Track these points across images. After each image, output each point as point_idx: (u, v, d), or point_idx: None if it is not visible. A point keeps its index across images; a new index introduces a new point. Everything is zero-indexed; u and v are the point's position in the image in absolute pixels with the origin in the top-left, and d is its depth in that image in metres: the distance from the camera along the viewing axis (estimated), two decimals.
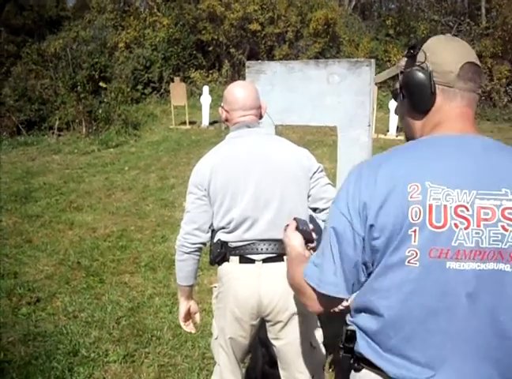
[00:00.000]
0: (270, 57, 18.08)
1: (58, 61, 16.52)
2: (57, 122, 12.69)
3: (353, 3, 23.51)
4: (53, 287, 4.66)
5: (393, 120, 11.60)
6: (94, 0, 20.91)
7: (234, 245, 2.26)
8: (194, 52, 18.37)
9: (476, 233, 1.23)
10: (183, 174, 8.69)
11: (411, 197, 1.26)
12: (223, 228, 2.27)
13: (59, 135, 12.68)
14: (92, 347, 3.62)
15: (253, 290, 2.23)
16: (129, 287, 4.63)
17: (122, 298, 4.40)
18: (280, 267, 2.14)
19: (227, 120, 2.35)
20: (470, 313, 1.25)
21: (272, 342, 2.35)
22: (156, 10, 18.80)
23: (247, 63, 2.70)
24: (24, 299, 4.42)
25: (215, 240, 2.31)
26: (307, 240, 1.65)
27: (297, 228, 1.65)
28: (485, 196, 1.24)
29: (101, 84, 14.43)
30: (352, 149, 2.59)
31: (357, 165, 1.39)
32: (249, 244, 2.23)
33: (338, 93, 2.55)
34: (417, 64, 1.37)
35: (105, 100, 13.55)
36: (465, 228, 1.23)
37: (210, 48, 18.63)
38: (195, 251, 2.38)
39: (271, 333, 2.33)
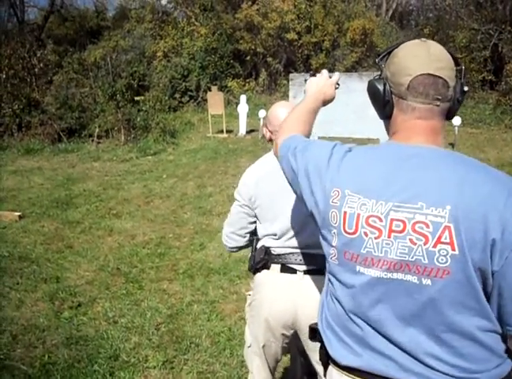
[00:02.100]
0: (307, 66, 18.10)
1: (97, 70, 16.91)
2: (96, 130, 12.94)
3: (390, 12, 23.39)
4: (93, 292, 4.76)
5: None
6: (133, 10, 21.35)
7: (277, 252, 2.28)
8: (231, 61, 18.51)
9: (386, 243, 1.27)
10: (221, 183, 8.76)
11: (332, 202, 1.35)
12: (268, 235, 2.31)
13: (99, 142, 12.93)
14: (132, 353, 3.68)
15: (290, 302, 2.24)
16: (168, 294, 4.69)
17: (161, 304, 4.47)
18: (321, 280, 2.14)
19: (270, 140, 2.37)
20: (378, 317, 1.32)
21: (308, 353, 2.35)
22: (193, 20, 19.04)
23: (291, 76, 2.74)
24: (66, 303, 4.52)
25: (259, 246, 2.35)
26: None
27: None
28: (400, 208, 1.25)
29: (137, 98, 14.66)
30: None
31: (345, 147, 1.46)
32: (292, 253, 2.26)
33: None
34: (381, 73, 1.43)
35: (143, 108, 13.77)
36: (376, 238, 1.28)
37: (247, 57, 18.74)
38: (235, 251, 2.59)
39: (307, 347, 2.33)
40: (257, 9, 18.04)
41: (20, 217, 7.09)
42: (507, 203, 1.18)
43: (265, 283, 2.33)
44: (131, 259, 5.55)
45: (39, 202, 7.88)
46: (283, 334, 2.32)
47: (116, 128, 13.07)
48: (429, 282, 1.23)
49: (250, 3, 18.33)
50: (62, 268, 5.35)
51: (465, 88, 1.38)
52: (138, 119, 13.22)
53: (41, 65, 13.66)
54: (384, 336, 1.32)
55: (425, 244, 1.22)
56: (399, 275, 1.26)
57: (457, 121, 11.23)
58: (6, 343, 3.88)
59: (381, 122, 2.59)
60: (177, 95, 17.43)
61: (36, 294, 4.71)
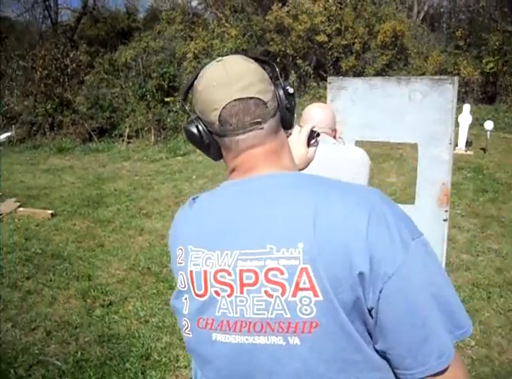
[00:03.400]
0: (337, 68, 18.03)
1: (128, 70, 17.07)
2: (127, 130, 13.10)
3: (422, 15, 23.14)
4: (124, 291, 4.82)
5: (463, 134, 11.31)
6: (164, 12, 21.52)
7: None
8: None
9: (241, 301, 1.03)
10: None
11: (178, 263, 1.13)
12: None
13: (129, 142, 13.08)
14: (163, 352, 3.72)
15: None
16: None
17: None
18: None
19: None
20: None
21: None
22: (224, 21, 19.10)
23: (329, 79, 2.74)
24: (97, 301, 4.59)
25: None
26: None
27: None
28: (248, 256, 1.02)
29: (167, 99, 14.78)
30: (433, 167, 2.57)
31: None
32: None
33: (419, 110, 2.55)
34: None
35: (173, 109, 13.88)
36: (228, 296, 1.04)
37: (277, 59, 18.73)
38: None
39: None
40: (288, 11, 18.01)
41: (52, 215, 7.22)
42: (370, 226, 0.97)
43: None
44: (161, 259, 5.60)
45: (71, 201, 8.01)
46: None
47: (146, 128, 13.21)
48: (297, 341, 1.00)
49: (280, 5, 18.32)
50: (94, 266, 5.43)
51: (290, 90, 1.17)
52: (168, 120, 13.33)
53: (73, 65, 13.89)
54: None
55: (283, 294, 0.99)
56: (261, 339, 1.02)
57: (489, 125, 11.06)
58: (41, 339, 3.96)
59: (419, 127, 2.59)
60: None
61: (69, 292, 4.79)
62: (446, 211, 2.60)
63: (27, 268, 5.37)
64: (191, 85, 1.18)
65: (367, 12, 18.22)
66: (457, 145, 11.56)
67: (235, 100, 1.09)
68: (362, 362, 1.01)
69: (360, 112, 2.68)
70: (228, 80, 1.09)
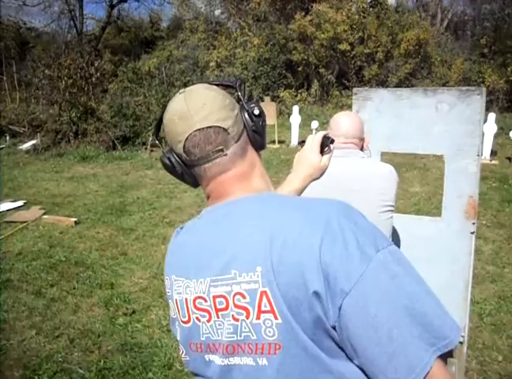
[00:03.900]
0: (359, 77, 18.00)
1: (151, 79, 17.24)
2: (150, 138, 13.18)
3: (445, 22, 23.01)
4: (147, 299, 4.83)
5: (488, 144, 11.17)
6: (187, 21, 21.73)
7: None
8: (284, 72, 18.58)
9: (219, 325, 1.08)
10: None
11: (167, 292, 1.19)
12: None
13: (152, 150, 13.15)
14: None
15: None
16: None
17: None
18: None
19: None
20: None
21: None
22: (247, 30, 19.22)
23: (354, 90, 2.72)
24: (120, 310, 4.61)
25: None
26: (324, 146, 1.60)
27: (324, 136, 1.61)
28: (218, 282, 1.06)
29: None
30: (460, 179, 2.53)
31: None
32: None
33: (447, 122, 2.51)
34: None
35: None
36: (208, 321, 1.09)
37: (300, 68, 18.77)
38: None
39: None
40: (311, 20, 18.06)
41: (76, 223, 7.29)
42: (323, 244, 0.96)
43: None
44: None
45: (94, 208, 8.08)
46: None
47: None
48: (265, 361, 1.02)
49: (303, 14, 18.38)
50: (117, 274, 5.46)
51: (256, 112, 1.19)
52: None
53: (98, 74, 14.06)
54: None
55: (247, 318, 1.02)
56: (236, 360, 1.06)
57: None
58: (64, 347, 3.99)
59: (445, 139, 2.55)
60: None
61: (92, 300, 4.82)
62: (474, 223, 2.55)
63: (51, 276, 5.42)
64: (161, 119, 1.21)
65: (390, 20, 18.17)
66: (481, 155, 11.40)
67: (195, 131, 1.12)
68: None
69: (386, 123, 2.65)
70: (188, 112, 1.12)
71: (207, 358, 1.12)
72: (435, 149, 2.59)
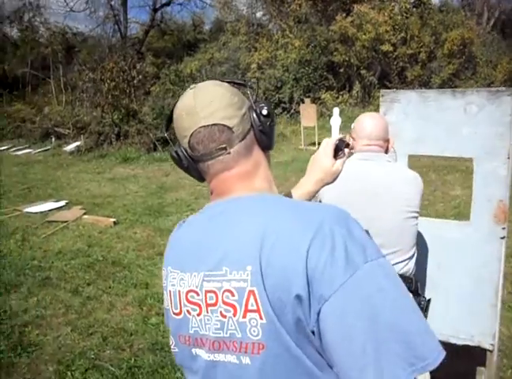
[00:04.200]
0: (402, 78, 17.75)
1: (193, 81, 17.40)
2: None
3: (492, 21, 22.45)
4: None
5: None
6: (229, 23, 21.87)
7: None
8: (325, 73, 18.48)
9: (208, 319, 1.08)
10: None
11: (163, 284, 1.20)
12: None
13: None
14: None
15: None
16: None
17: None
18: None
19: (352, 149, 2.36)
20: None
21: None
22: (288, 32, 19.20)
23: (382, 92, 2.68)
24: (153, 309, 4.66)
25: None
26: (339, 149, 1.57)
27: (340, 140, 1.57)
28: (211, 277, 1.07)
29: None
30: (489, 183, 2.46)
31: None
32: None
33: (475, 124, 2.45)
34: None
35: None
36: (198, 315, 1.10)
37: (341, 69, 18.65)
38: None
39: None
40: (352, 21, 17.92)
41: (114, 223, 7.43)
42: (311, 248, 0.96)
43: None
44: None
45: (133, 209, 8.21)
46: None
47: None
48: (248, 360, 1.02)
49: (344, 15, 18.25)
50: (152, 274, 5.53)
51: (264, 112, 1.18)
52: None
53: (140, 77, 14.29)
54: None
55: (234, 315, 1.03)
56: (221, 356, 1.07)
57: None
58: (97, 344, 4.07)
59: (474, 141, 2.49)
60: None
61: (126, 299, 4.90)
62: (504, 228, 2.48)
63: (88, 275, 5.54)
64: (172, 114, 1.22)
65: (433, 20, 17.86)
66: None
67: (200, 127, 1.12)
68: None
69: (414, 125, 2.61)
70: (195, 107, 1.13)
71: (194, 352, 1.13)
72: (464, 152, 2.53)
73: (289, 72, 18.04)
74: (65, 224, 7.50)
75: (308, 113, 13.84)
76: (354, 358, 0.92)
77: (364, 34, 17.41)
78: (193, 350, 1.13)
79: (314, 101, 16.37)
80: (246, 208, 1.11)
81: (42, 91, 20.37)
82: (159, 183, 10.28)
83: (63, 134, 15.57)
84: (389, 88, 16.61)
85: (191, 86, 1.20)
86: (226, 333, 1.05)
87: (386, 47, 17.46)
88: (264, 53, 19.17)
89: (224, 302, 1.04)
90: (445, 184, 8.80)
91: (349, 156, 1.66)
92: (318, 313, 0.94)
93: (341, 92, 18.43)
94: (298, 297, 0.95)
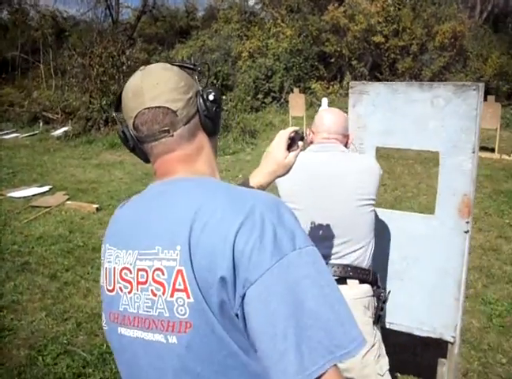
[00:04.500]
0: (393, 70, 17.72)
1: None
2: None
3: (485, 14, 22.39)
4: None
5: None
6: (221, 11, 21.71)
7: None
8: (316, 63, 18.40)
9: (137, 298, 1.09)
10: None
11: (101, 260, 1.22)
12: None
13: None
14: None
15: None
16: None
17: None
18: (343, 289, 2.15)
19: (311, 142, 2.38)
20: None
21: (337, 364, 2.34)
22: (280, 21, 19.09)
23: (350, 83, 2.68)
24: None
25: None
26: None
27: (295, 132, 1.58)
28: (143, 256, 1.09)
29: None
30: (454, 177, 2.48)
31: None
32: None
33: (442, 117, 2.46)
34: None
35: (224, 108, 13.97)
36: (129, 292, 1.11)
37: (332, 60, 18.58)
38: None
39: None
40: (344, 11, 17.82)
41: (97, 209, 7.41)
42: (240, 233, 0.98)
43: None
44: None
45: (117, 195, 8.18)
46: None
47: None
48: (175, 339, 1.04)
49: (336, 5, 18.15)
50: None
51: (211, 98, 1.20)
52: None
53: (129, 63, 14.17)
54: None
55: (163, 294, 1.04)
56: (149, 335, 1.08)
57: None
58: (71, 330, 4.08)
59: (441, 135, 2.50)
60: (260, 96, 17.53)
61: None
62: (468, 222, 2.50)
63: (67, 260, 5.54)
64: (121, 94, 1.23)
65: (426, 13, 17.81)
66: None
67: (145, 109, 1.15)
68: (238, 368, 1.03)
69: (382, 118, 2.61)
70: (141, 89, 1.15)
71: (119, 331, 1.14)
72: (430, 145, 2.55)
73: (280, 61, 17.96)
74: (47, 209, 7.47)
75: (297, 103, 13.80)
76: (275, 342, 0.94)
77: (356, 25, 17.33)
78: (119, 329, 1.14)
79: (304, 91, 16.32)
80: (182, 190, 1.13)
81: (31, 75, 20.17)
82: (144, 170, 10.22)
83: (51, 119, 15.44)
84: (380, 80, 16.61)
85: (141, 68, 1.22)
86: (155, 312, 1.06)
87: (378, 39, 17.39)
88: (255, 41, 19.05)
89: (155, 281, 1.06)
90: (430, 177, 8.82)
91: (304, 149, 1.67)
92: (243, 297, 0.96)
93: (332, 83, 18.37)
94: (222, 279, 0.97)
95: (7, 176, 9.65)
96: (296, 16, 18.71)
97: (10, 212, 7.42)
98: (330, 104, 14.25)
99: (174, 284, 1.03)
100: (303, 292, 0.96)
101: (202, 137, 1.23)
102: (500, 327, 4.06)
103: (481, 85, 2.40)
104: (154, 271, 1.06)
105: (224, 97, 15.11)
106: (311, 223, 2.24)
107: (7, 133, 14.86)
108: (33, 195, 8.30)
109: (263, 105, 17.45)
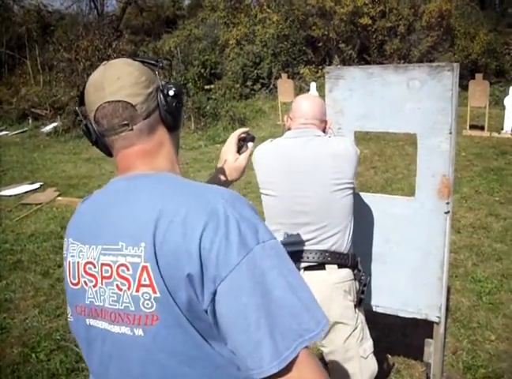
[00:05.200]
0: (381, 51, 17.66)
1: (171, 58, 17.20)
2: None
3: None
4: None
5: (509, 117, 10.88)
6: None
7: None
8: (304, 48, 18.31)
9: (102, 291, 1.13)
10: None
11: (64, 254, 1.25)
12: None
13: None
14: None
15: None
16: None
17: None
18: (321, 275, 2.18)
19: (289, 128, 2.39)
20: (120, 374, 1.16)
21: (320, 348, 2.38)
22: (266, 7, 18.97)
23: (326, 69, 2.68)
24: None
25: None
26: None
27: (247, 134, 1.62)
28: (107, 251, 1.12)
29: (207, 86, 14.80)
30: (432, 158, 2.48)
31: None
32: (290, 252, 2.26)
33: (418, 99, 2.46)
34: None
35: (213, 97, 13.92)
36: (94, 286, 1.15)
37: (320, 44, 18.49)
38: None
39: (317, 340, 2.36)
40: None
41: None
42: (206, 231, 1.01)
43: None
44: None
45: None
46: None
47: (186, 116, 13.28)
48: (141, 332, 1.08)
49: None
50: None
51: (171, 93, 1.21)
52: (208, 107, 13.37)
53: (115, 55, 14.07)
54: None
55: (129, 289, 1.08)
56: (116, 328, 1.12)
57: None
58: (64, 325, 4.09)
59: (418, 117, 2.50)
60: (249, 83, 17.46)
61: None
62: (448, 203, 2.51)
63: (59, 256, 5.53)
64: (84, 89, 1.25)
65: None
66: (502, 129, 11.13)
67: (105, 103, 1.17)
68: (203, 358, 1.08)
69: (358, 102, 2.60)
70: (102, 83, 1.17)
71: (88, 322, 1.18)
72: (408, 128, 2.55)
73: (268, 47, 17.86)
74: (39, 207, 7.47)
75: (285, 88, 13.76)
76: (249, 334, 0.99)
77: (342, 7, 17.21)
78: (88, 320, 1.18)
79: (293, 76, 16.27)
80: (143, 187, 1.15)
81: (19, 71, 20.02)
82: None
83: (40, 115, 15.36)
84: (368, 63, 16.56)
85: (104, 62, 1.25)
86: (121, 305, 1.10)
87: (365, 21, 17.28)
88: (242, 28, 18.92)
89: (120, 276, 1.09)
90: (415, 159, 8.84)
91: (252, 151, 1.67)
92: (214, 293, 1.00)
93: (320, 67, 18.28)
94: (189, 276, 1.01)
95: None
96: (282, 1, 18.58)
97: (1, 210, 7.42)
98: (319, 88, 14.22)
99: (139, 280, 1.06)
100: (270, 283, 1.00)
101: (163, 132, 1.24)
102: (489, 304, 4.10)
103: (456, 65, 2.40)
104: (118, 266, 1.09)
105: (212, 86, 15.08)
106: (287, 209, 2.25)
107: None
108: (24, 192, 8.30)
109: (252, 92, 17.38)
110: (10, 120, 15.80)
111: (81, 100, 1.27)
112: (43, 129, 14.20)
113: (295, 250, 2.23)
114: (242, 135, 1.59)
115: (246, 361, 1.00)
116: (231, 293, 1.00)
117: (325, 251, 2.20)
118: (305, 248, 2.22)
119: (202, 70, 15.70)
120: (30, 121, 15.34)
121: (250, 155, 1.63)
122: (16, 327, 4.17)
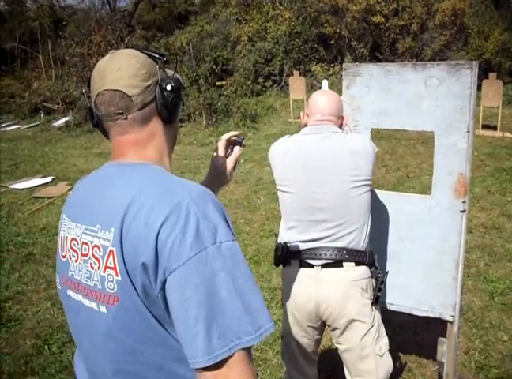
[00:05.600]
0: (393, 50, 17.58)
1: (183, 54, 17.20)
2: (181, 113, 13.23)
3: None
4: None
5: None
6: None
7: (294, 249, 2.29)
8: (316, 45, 18.27)
9: (81, 267, 1.24)
10: None
11: (59, 228, 1.37)
12: (287, 227, 2.34)
13: (181, 126, 13.22)
14: None
15: (310, 295, 2.26)
16: None
17: None
18: (339, 273, 2.18)
19: (305, 125, 2.38)
20: (86, 347, 1.29)
21: (336, 345, 2.38)
22: (278, 4, 18.94)
23: (344, 65, 2.67)
24: None
25: (279, 240, 2.37)
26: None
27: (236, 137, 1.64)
28: (88, 231, 1.22)
29: (219, 83, 14.78)
30: (449, 156, 2.47)
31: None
32: (308, 249, 2.25)
33: (436, 97, 2.45)
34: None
35: (225, 93, 13.91)
36: (75, 261, 1.25)
37: (332, 41, 18.44)
38: None
39: (333, 337, 2.38)
40: None
41: None
42: (165, 223, 1.09)
43: (287, 278, 2.36)
44: None
45: None
46: (310, 326, 2.35)
47: (197, 112, 13.29)
48: (104, 309, 1.19)
49: None
50: None
51: (168, 87, 1.27)
52: (219, 104, 13.37)
53: None
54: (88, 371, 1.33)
55: (98, 268, 1.19)
56: (87, 302, 1.23)
57: None
58: None
59: (435, 115, 2.49)
60: (260, 80, 17.43)
61: None
62: (464, 202, 2.50)
63: None
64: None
65: None
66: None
67: (105, 90, 1.24)
68: (157, 340, 1.17)
69: (375, 99, 2.59)
70: (105, 71, 1.25)
71: (68, 293, 1.30)
72: (425, 126, 2.54)
73: (279, 44, 17.83)
74: (50, 200, 7.51)
75: (297, 85, 13.72)
76: (188, 326, 1.06)
77: (355, 5, 17.16)
78: (68, 291, 1.30)
79: (304, 73, 16.24)
80: (125, 175, 1.23)
81: (31, 65, 20.11)
82: None
83: (52, 109, 15.44)
84: (380, 61, 16.49)
85: (111, 51, 1.33)
86: (92, 282, 1.21)
87: (378, 19, 17.22)
88: (254, 25, 18.91)
89: (93, 256, 1.20)
90: (432, 157, 8.79)
91: (240, 155, 1.67)
92: (164, 283, 1.08)
93: (332, 64, 18.23)
94: (144, 264, 1.09)
95: (9, 168, 9.69)
96: None
97: (13, 203, 7.47)
98: (331, 86, 14.16)
99: (106, 262, 1.16)
100: (218, 283, 1.07)
101: (157, 124, 1.31)
102: (502, 305, 4.08)
103: (475, 63, 2.39)
104: (93, 247, 1.20)
105: (223, 82, 15.06)
106: (305, 206, 2.24)
107: (8, 125, 14.89)
108: (36, 186, 8.34)
109: (263, 89, 17.35)
110: (22, 114, 15.88)
111: (89, 84, 1.34)
112: (54, 124, 14.26)
113: (312, 247, 2.23)
114: (233, 138, 1.60)
115: (185, 349, 1.08)
116: (178, 285, 1.07)
117: (343, 248, 2.20)
118: (322, 245, 2.22)
119: (214, 66, 15.69)
120: (42, 115, 15.41)
121: (241, 157, 1.66)
122: (28, 319, 4.20)
